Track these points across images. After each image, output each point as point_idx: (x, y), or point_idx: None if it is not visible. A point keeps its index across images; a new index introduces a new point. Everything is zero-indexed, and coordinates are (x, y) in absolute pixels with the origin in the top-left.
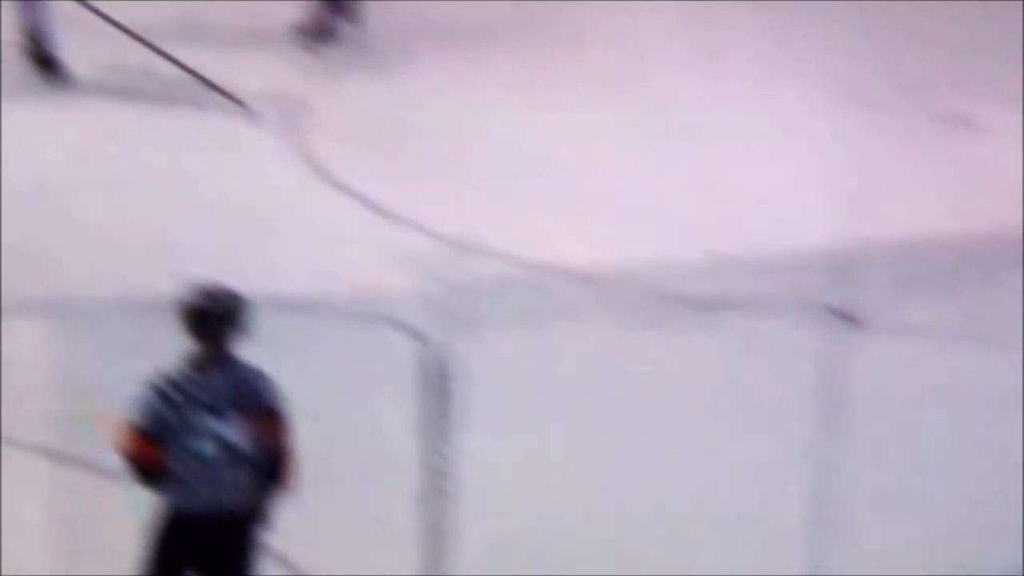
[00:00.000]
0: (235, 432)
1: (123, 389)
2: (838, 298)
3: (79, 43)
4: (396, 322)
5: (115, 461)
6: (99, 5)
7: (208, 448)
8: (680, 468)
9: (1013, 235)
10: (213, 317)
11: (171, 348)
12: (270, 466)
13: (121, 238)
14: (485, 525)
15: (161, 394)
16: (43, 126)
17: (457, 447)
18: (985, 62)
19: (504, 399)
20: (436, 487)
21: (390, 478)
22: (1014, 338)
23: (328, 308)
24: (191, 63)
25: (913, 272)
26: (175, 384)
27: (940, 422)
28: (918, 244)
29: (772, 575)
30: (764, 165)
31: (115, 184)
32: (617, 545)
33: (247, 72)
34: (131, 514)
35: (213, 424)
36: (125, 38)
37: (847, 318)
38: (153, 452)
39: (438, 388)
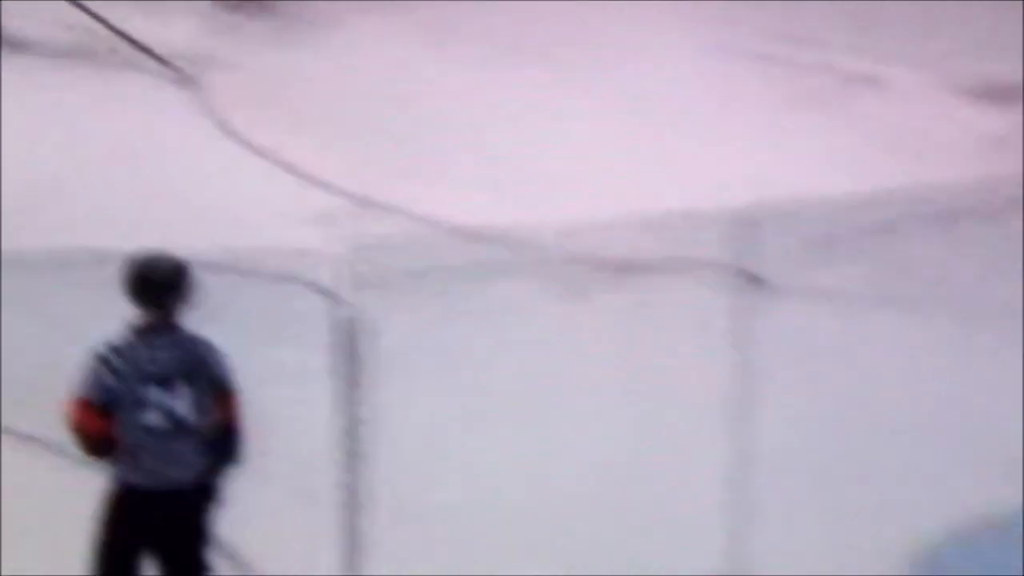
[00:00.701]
0: (183, 404)
1: None
2: (746, 260)
3: None
4: (307, 281)
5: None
6: None
7: (155, 420)
8: (591, 427)
9: (920, 195)
10: (158, 285)
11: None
12: (220, 440)
13: (31, 195)
14: (398, 486)
15: (107, 364)
16: None
17: (369, 408)
18: (891, 23)
19: (415, 360)
20: (349, 448)
21: (300, 440)
22: (920, 298)
23: (239, 267)
24: (113, 21)
25: (819, 233)
26: (121, 354)
27: (846, 381)
28: (824, 205)
29: (685, 532)
30: (672, 128)
31: (29, 144)
32: (526, 504)
33: (162, 30)
34: None
35: (160, 396)
36: None
37: (755, 279)
38: (101, 424)
39: (349, 348)
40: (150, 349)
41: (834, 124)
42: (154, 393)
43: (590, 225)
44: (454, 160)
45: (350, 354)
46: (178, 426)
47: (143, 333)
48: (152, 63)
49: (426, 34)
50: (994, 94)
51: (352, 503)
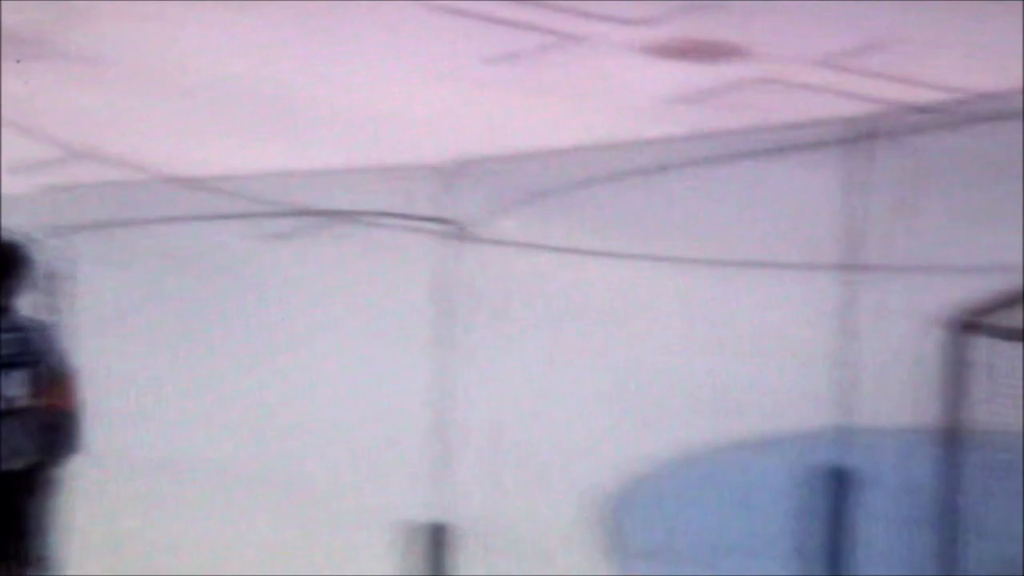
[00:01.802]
0: (14, 387)
1: None
2: (448, 211)
3: None
4: (9, 228)
5: None
6: None
7: None
8: (300, 375)
9: (620, 151)
10: None
11: None
12: (55, 425)
13: None
14: (104, 438)
15: None
16: None
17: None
18: None
19: (121, 307)
20: None
21: None
22: (615, 248)
23: None
24: None
25: (519, 186)
26: None
27: (544, 328)
28: (526, 160)
29: (395, 469)
30: (382, 82)
31: None
32: (236, 453)
33: None
34: None
35: None
36: None
37: (456, 231)
38: None
39: (49, 295)
40: None
41: (538, 81)
42: None
43: (301, 175)
44: (173, 110)
45: (51, 302)
46: (9, 410)
47: None
48: None
49: None
50: (695, 52)
51: None
